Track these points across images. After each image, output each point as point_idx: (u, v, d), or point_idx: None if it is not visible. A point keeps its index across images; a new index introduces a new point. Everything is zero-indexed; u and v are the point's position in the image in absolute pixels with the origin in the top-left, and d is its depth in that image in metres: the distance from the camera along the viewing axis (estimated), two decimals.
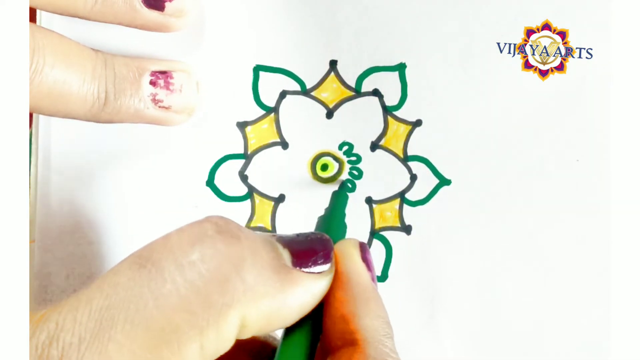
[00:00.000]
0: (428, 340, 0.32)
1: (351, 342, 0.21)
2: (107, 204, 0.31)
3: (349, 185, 0.31)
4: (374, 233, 0.32)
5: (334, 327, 0.22)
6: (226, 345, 0.20)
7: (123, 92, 0.28)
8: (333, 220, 0.28)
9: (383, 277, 0.32)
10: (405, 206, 0.31)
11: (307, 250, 0.22)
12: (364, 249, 0.24)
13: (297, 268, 0.21)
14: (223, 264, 0.20)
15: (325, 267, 0.22)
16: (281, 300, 0.21)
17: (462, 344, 0.32)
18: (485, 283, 0.31)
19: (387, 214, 0.32)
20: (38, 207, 0.31)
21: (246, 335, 0.20)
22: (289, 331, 0.22)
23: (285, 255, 0.22)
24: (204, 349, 0.19)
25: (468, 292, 0.31)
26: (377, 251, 0.32)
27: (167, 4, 0.28)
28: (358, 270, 0.23)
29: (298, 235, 0.23)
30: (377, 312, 0.22)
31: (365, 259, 0.24)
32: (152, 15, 0.28)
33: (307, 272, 0.22)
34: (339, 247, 0.24)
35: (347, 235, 0.32)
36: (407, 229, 0.32)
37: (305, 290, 0.21)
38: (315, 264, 0.22)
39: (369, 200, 0.32)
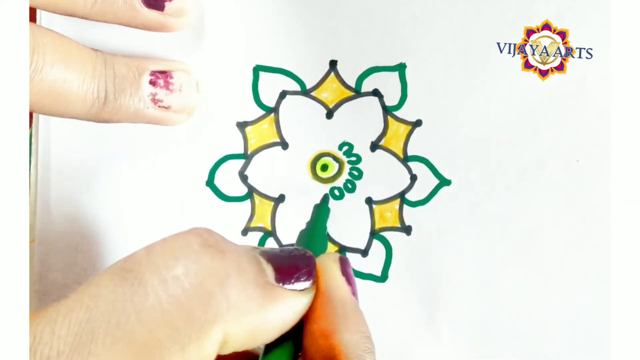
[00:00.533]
0: (428, 340, 0.32)
1: (331, 358, 0.21)
2: (107, 203, 0.31)
3: (332, 198, 0.31)
4: (374, 233, 0.32)
5: (314, 342, 0.22)
6: None
7: (123, 92, 0.28)
8: (314, 235, 0.28)
9: (383, 277, 0.32)
10: (405, 206, 0.31)
11: (290, 267, 0.22)
12: (344, 263, 0.24)
13: (280, 284, 0.21)
14: (207, 279, 0.20)
15: (307, 284, 0.22)
16: (263, 317, 0.20)
17: (462, 344, 0.32)
18: (485, 283, 0.31)
19: (387, 215, 0.31)
20: (38, 207, 0.31)
21: (227, 350, 0.20)
22: (269, 348, 0.22)
23: (269, 271, 0.21)
24: None
25: (468, 293, 0.31)
26: (377, 251, 0.32)
27: (167, 4, 0.28)
28: (338, 285, 0.23)
29: (282, 250, 0.23)
30: (357, 327, 0.22)
31: (346, 272, 0.24)
32: (152, 15, 0.28)
33: (289, 290, 0.21)
34: (319, 262, 0.23)
35: (348, 236, 0.32)
36: (407, 229, 0.31)
37: (287, 307, 0.21)
38: (297, 280, 0.22)
39: (369, 201, 0.32)
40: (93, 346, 0.18)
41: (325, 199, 0.31)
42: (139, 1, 0.27)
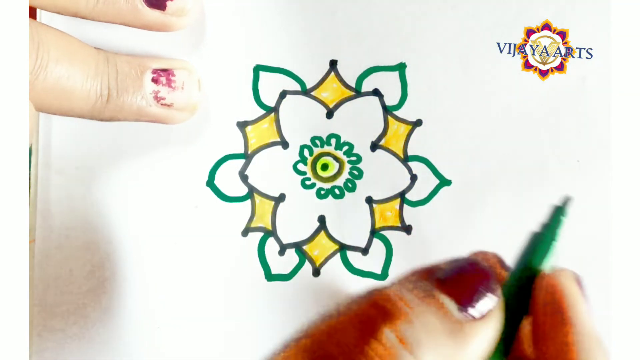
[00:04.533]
0: None
1: None
2: (107, 203, 0.31)
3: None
4: (374, 233, 0.32)
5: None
6: None
7: (125, 90, 0.28)
8: (546, 239, 0.26)
9: (384, 275, 0.32)
10: (405, 206, 0.31)
11: (466, 290, 0.21)
12: (580, 284, 0.23)
13: (464, 313, 0.20)
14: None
15: (491, 303, 0.21)
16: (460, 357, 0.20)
17: None
18: None
19: (388, 214, 0.32)
20: (38, 207, 0.31)
21: None
22: None
23: (451, 306, 0.20)
24: None
25: None
26: (377, 250, 0.32)
27: (168, 4, 0.28)
28: (586, 322, 0.22)
29: (451, 269, 0.21)
30: None
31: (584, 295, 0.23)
32: (154, 14, 0.28)
33: (478, 322, 0.20)
34: (557, 282, 0.22)
35: (349, 235, 0.32)
36: (407, 229, 0.32)
37: (480, 341, 0.20)
38: (478, 300, 0.21)
39: (369, 200, 0.32)
40: None
41: (566, 201, 0.26)
42: (141, 1, 0.27)
